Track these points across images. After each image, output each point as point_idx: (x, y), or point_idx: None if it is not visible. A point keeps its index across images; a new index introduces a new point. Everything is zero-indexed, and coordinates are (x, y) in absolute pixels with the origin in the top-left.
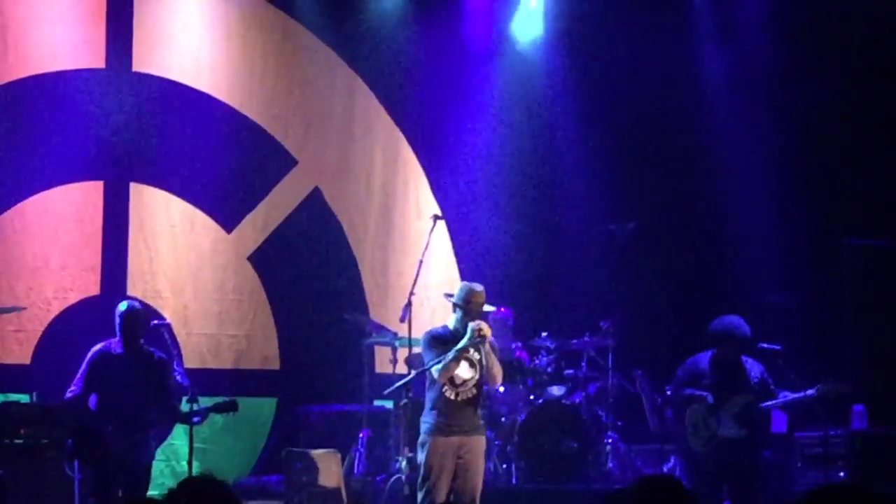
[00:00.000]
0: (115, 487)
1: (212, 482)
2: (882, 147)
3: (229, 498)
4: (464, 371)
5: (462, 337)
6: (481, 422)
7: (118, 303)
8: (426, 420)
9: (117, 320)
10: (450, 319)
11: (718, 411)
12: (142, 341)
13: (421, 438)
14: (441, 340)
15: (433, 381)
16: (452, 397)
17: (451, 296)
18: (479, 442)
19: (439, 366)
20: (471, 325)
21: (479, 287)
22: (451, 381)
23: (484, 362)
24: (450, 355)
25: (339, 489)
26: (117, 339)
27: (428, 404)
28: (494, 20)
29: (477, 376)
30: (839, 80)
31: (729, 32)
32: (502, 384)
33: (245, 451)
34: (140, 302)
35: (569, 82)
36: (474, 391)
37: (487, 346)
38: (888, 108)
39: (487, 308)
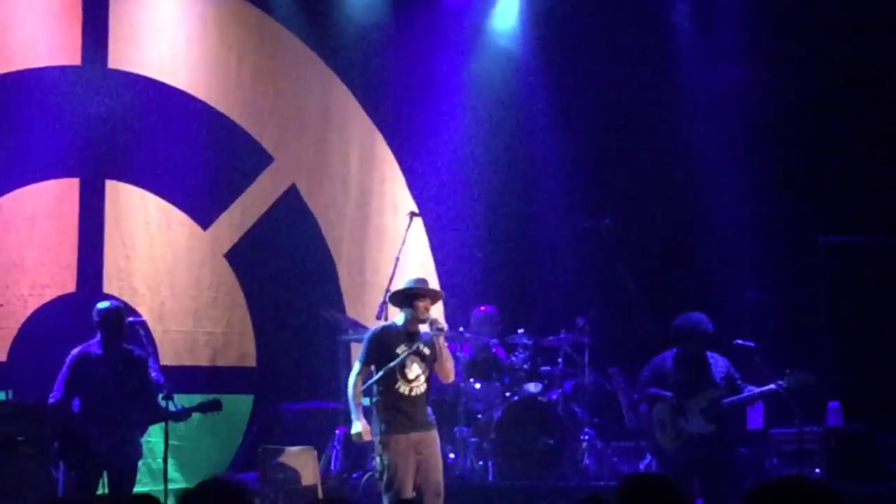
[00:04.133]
0: (94, 489)
1: (227, 483)
2: (858, 146)
3: (244, 501)
4: (415, 366)
5: (412, 332)
6: (432, 416)
7: (94, 300)
8: (383, 419)
9: (97, 318)
10: (398, 317)
11: (685, 408)
12: (120, 340)
13: (381, 439)
14: (383, 340)
15: (380, 381)
16: (407, 392)
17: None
18: (435, 436)
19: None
20: (430, 319)
21: (424, 280)
22: (405, 376)
23: (439, 356)
24: (405, 354)
25: (316, 486)
26: (96, 339)
27: (380, 404)
28: (471, 16)
29: (428, 371)
30: (815, 78)
31: (706, 28)
32: (478, 381)
33: (221, 449)
34: (117, 299)
35: (545, 78)
36: (425, 385)
37: (441, 340)
38: (864, 107)
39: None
